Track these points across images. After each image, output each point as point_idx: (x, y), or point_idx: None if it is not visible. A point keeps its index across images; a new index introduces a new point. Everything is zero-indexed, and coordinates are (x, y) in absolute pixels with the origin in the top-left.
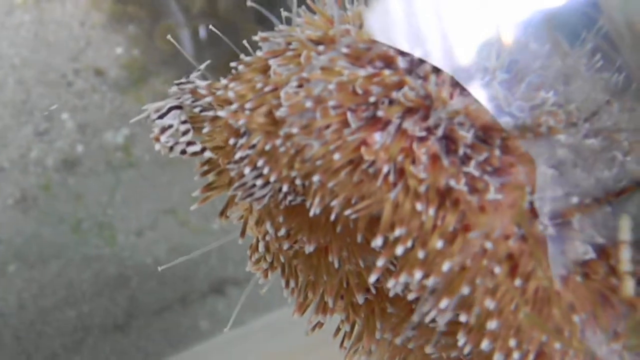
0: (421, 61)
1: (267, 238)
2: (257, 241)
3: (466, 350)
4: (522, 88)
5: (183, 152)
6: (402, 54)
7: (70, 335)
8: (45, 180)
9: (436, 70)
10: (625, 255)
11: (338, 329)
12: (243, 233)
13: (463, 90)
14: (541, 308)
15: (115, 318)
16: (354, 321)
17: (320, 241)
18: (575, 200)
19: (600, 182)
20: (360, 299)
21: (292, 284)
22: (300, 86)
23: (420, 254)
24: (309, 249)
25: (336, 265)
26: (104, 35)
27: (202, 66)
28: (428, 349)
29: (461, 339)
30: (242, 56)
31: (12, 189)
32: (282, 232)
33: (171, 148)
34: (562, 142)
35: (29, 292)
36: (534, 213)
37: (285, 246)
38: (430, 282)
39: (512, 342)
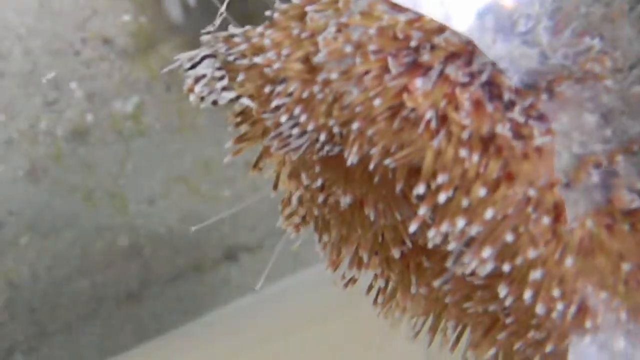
0: None
1: (300, 191)
2: (290, 195)
3: (508, 302)
4: (566, 34)
5: (214, 102)
6: None
7: (84, 305)
8: (55, 151)
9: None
10: None
11: (371, 286)
12: (276, 186)
13: (507, 36)
14: (586, 257)
15: (129, 287)
16: (389, 276)
17: (356, 193)
18: (621, 147)
19: None
20: (396, 253)
21: (325, 238)
22: (338, 32)
23: (464, 202)
24: (345, 200)
25: (372, 218)
26: (110, 3)
27: (222, 7)
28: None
29: (503, 290)
30: (277, 3)
31: (22, 160)
32: (317, 183)
33: (203, 98)
34: (608, 88)
35: (42, 263)
36: (581, 160)
37: (320, 198)
38: (472, 230)
39: (555, 292)
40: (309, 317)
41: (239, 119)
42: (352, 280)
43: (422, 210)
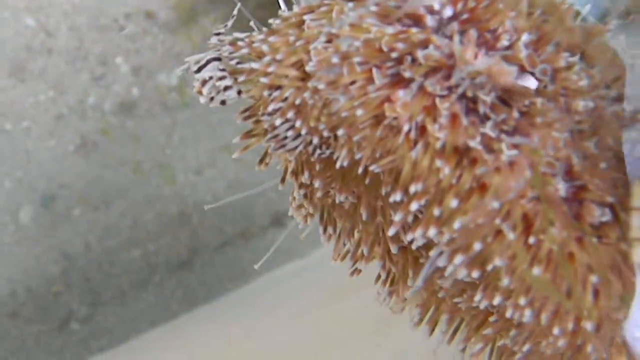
0: (450, 20)
1: (304, 188)
2: (296, 189)
3: (482, 305)
4: (547, 50)
5: (223, 102)
6: (432, 12)
7: (136, 274)
8: (103, 125)
9: (463, 30)
10: (636, 222)
11: (379, 276)
12: (283, 180)
13: (488, 51)
14: (556, 268)
15: (179, 255)
16: (390, 269)
17: (352, 192)
18: (590, 163)
19: (616, 145)
20: (393, 248)
21: (329, 230)
22: (329, 42)
23: (436, 211)
24: (339, 199)
25: (364, 217)
26: None
27: (235, 10)
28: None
29: (478, 294)
30: (280, 11)
31: (72, 135)
32: (317, 182)
33: (212, 98)
34: (581, 107)
35: (94, 234)
36: (549, 175)
37: (319, 194)
38: (444, 238)
39: (522, 300)
40: (357, 282)
41: (246, 114)
42: (357, 271)
43: (397, 217)
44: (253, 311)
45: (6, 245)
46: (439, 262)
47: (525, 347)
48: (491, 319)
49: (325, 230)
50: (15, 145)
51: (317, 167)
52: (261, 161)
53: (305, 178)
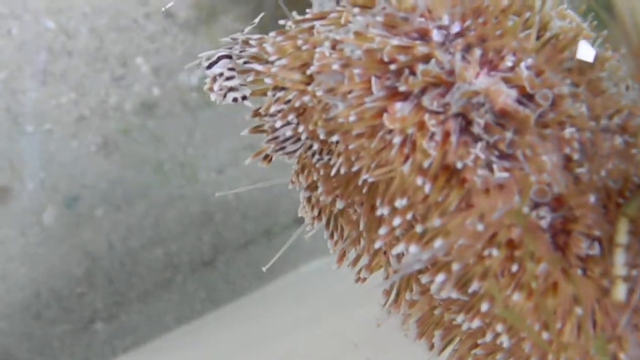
0: (456, 36)
1: (309, 190)
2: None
3: (464, 326)
4: (549, 74)
5: (235, 100)
6: (440, 27)
7: (160, 273)
8: (125, 125)
9: (468, 48)
10: (619, 259)
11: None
12: (293, 181)
13: (490, 71)
14: (541, 295)
15: (202, 254)
16: (393, 281)
17: (354, 199)
18: (580, 195)
19: (607, 180)
20: (393, 261)
21: (335, 236)
22: (333, 48)
23: (418, 229)
24: (339, 205)
25: (361, 226)
26: None
27: (257, 19)
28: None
29: (461, 316)
30: (293, 14)
31: (93, 136)
32: (320, 187)
33: (225, 95)
34: (576, 136)
35: (117, 234)
36: (536, 204)
37: (322, 198)
38: (424, 256)
39: (499, 327)
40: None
41: (258, 112)
42: (361, 279)
43: (382, 231)
44: (275, 310)
45: (30, 246)
46: (423, 279)
47: None
48: (479, 340)
49: (332, 235)
50: (37, 147)
51: (322, 172)
52: (264, 158)
53: (309, 181)
